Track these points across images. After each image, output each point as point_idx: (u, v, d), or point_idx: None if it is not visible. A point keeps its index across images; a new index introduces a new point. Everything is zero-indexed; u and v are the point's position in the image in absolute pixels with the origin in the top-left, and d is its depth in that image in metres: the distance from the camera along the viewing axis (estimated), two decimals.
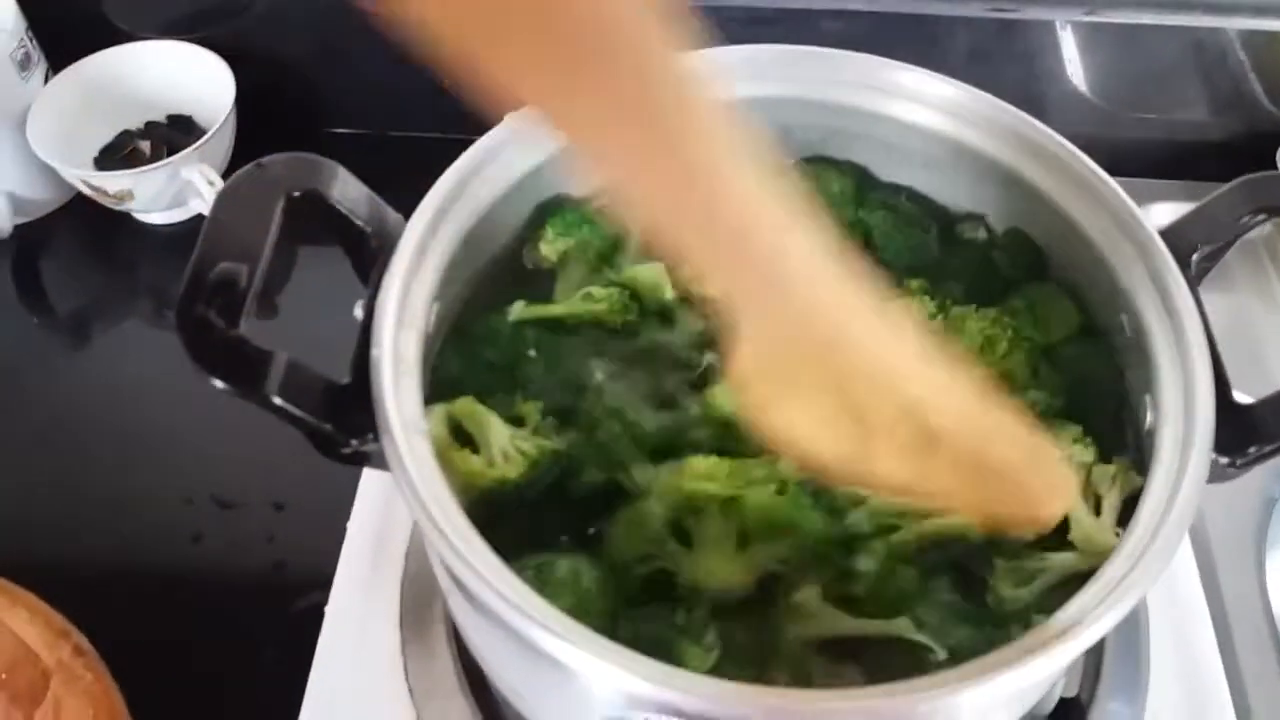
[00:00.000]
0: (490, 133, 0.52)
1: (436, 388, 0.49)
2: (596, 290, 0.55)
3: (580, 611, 0.41)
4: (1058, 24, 0.83)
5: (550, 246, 0.57)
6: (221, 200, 0.47)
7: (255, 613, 0.66)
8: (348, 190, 0.49)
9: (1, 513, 0.71)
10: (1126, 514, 0.45)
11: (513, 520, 0.47)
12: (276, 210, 0.46)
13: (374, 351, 0.46)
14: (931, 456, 0.36)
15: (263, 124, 0.85)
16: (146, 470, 0.74)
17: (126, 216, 0.85)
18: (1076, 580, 0.43)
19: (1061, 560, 0.47)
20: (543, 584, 0.44)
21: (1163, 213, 0.89)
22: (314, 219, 0.49)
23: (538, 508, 0.49)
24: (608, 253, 0.57)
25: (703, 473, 0.47)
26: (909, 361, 0.36)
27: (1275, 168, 0.84)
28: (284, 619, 0.64)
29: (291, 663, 0.59)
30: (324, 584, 0.62)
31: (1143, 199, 0.88)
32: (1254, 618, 0.67)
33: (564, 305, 0.55)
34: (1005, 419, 0.39)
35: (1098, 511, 0.48)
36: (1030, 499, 0.40)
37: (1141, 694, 0.59)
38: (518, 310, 0.55)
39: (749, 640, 0.46)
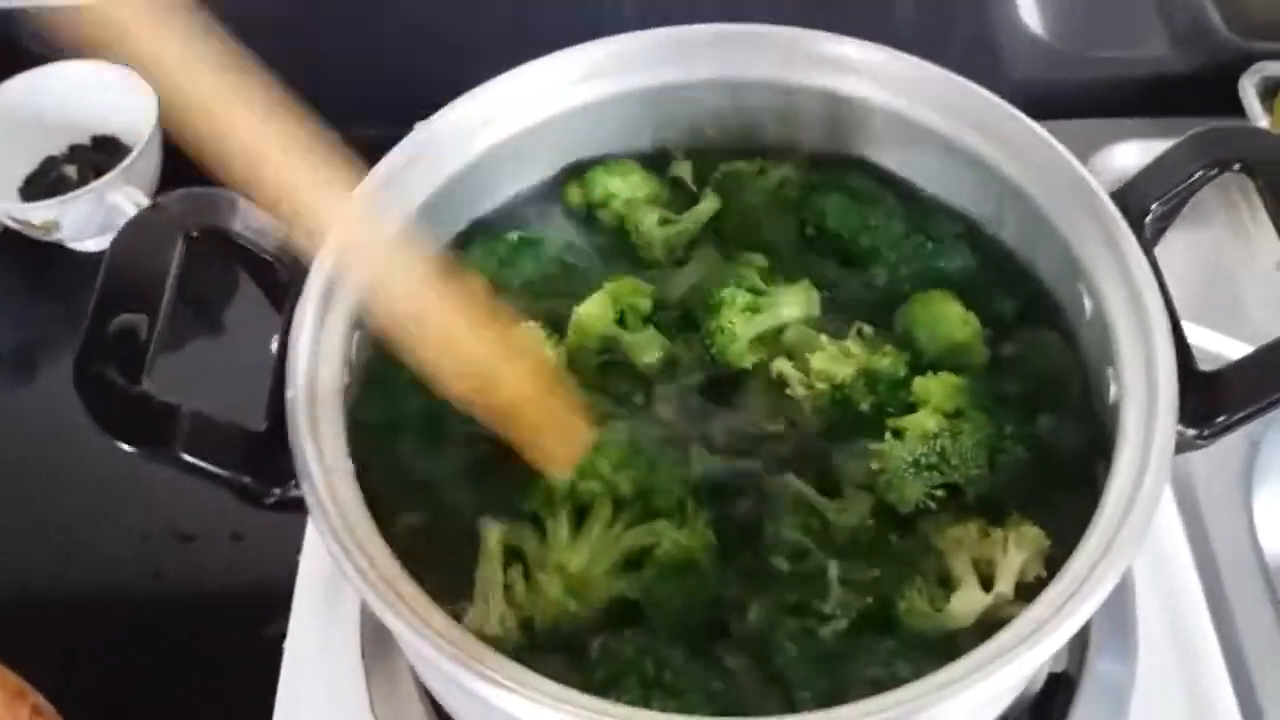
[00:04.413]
0: (396, 147, 0.50)
1: (360, 430, 0.46)
2: None
3: None
4: None
5: None
6: (115, 248, 0.44)
7: (219, 647, 0.64)
8: (250, 221, 0.46)
9: None
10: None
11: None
12: (175, 253, 0.44)
13: (288, 392, 0.43)
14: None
15: None
16: (100, 508, 0.71)
17: (58, 247, 0.82)
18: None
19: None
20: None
21: (1128, 152, 0.87)
22: (220, 255, 0.46)
23: None
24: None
25: None
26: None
27: (1238, 99, 0.81)
28: (249, 652, 0.61)
29: (258, 697, 0.57)
30: (288, 613, 0.60)
31: (1107, 139, 0.87)
32: (1243, 557, 0.65)
33: None
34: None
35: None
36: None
37: (1132, 652, 0.57)
38: None
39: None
